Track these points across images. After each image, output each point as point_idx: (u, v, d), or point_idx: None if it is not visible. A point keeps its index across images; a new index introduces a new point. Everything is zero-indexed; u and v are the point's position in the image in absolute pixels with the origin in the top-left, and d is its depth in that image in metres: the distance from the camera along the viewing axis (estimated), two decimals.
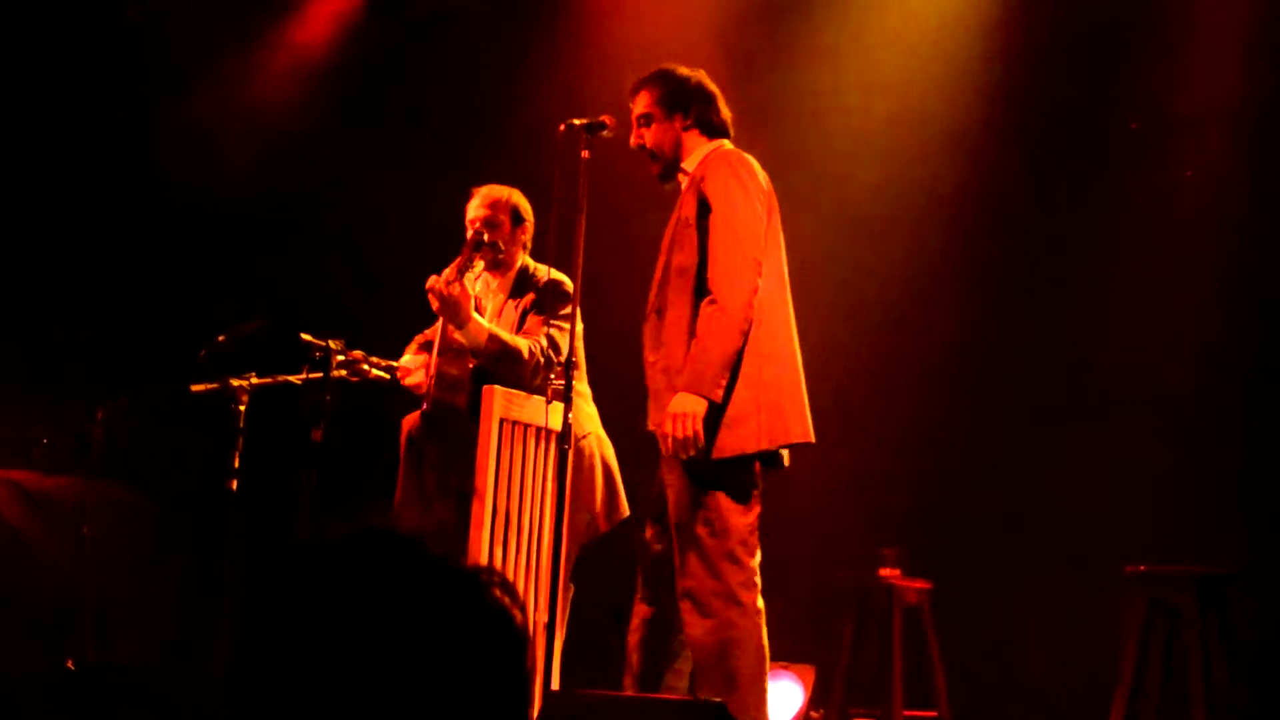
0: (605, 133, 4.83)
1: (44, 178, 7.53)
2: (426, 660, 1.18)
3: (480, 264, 5.32)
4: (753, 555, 4.62)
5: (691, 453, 4.47)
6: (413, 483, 5.26)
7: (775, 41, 7.61)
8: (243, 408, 5.77)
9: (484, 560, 4.70)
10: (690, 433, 4.43)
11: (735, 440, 4.55)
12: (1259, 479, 6.42)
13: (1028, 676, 6.82)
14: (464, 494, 4.96)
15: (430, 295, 5.08)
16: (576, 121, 4.82)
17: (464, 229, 5.44)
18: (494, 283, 5.51)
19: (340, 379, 5.48)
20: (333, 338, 5.49)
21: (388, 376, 5.54)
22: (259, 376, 5.82)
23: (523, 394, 5.01)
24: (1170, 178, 6.88)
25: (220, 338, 5.94)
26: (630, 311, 7.24)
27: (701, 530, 4.53)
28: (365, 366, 5.52)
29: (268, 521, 6.15)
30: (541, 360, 5.16)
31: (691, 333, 4.59)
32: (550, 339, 5.19)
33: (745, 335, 4.53)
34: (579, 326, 5.04)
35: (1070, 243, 7.05)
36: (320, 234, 7.96)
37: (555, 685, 4.71)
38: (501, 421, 4.88)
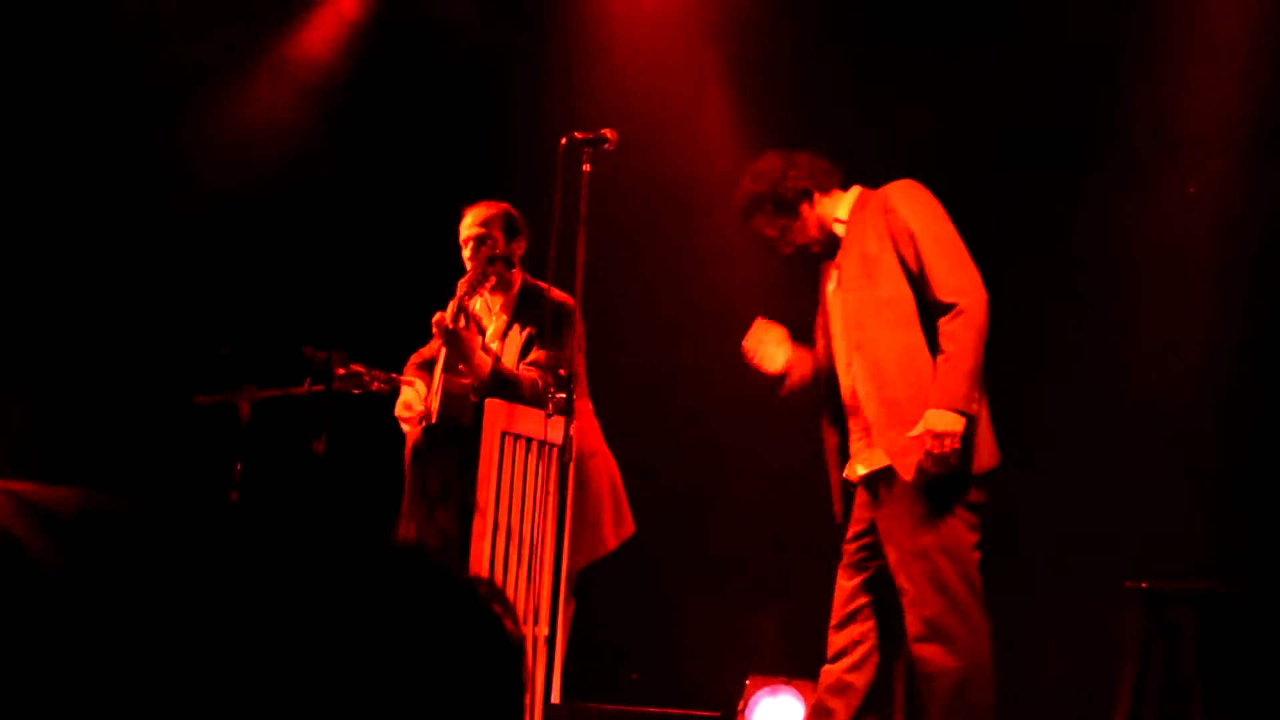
0: (606, 146, 4.84)
1: (46, 192, 7.54)
2: (419, 670, 1.18)
3: (492, 280, 5.33)
4: (978, 578, 4.61)
5: (944, 470, 4.44)
6: (416, 495, 5.27)
7: (778, 51, 7.62)
8: (244, 420, 5.77)
9: (486, 573, 4.70)
10: (949, 450, 4.41)
11: (977, 458, 4.55)
12: (1261, 495, 6.41)
13: (1027, 692, 6.80)
14: (467, 507, 4.96)
15: (435, 329, 5.12)
16: (578, 135, 4.83)
17: (458, 247, 5.46)
18: (495, 302, 5.51)
19: (342, 391, 5.49)
20: (335, 350, 5.50)
21: (389, 389, 5.54)
22: (261, 389, 5.83)
23: (525, 408, 5.02)
24: (1172, 194, 6.88)
25: (222, 350, 5.95)
26: (632, 326, 7.26)
27: (939, 556, 4.51)
28: (367, 379, 5.53)
29: (269, 533, 6.13)
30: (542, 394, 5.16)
31: (908, 361, 4.58)
32: (555, 373, 5.17)
33: (983, 341, 4.55)
34: (581, 342, 5.05)
35: (1072, 259, 7.05)
36: (322, 247, 7.96)
37: (556, 699, 4.72)
38: (504, 435, 4.89)
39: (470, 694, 1.20)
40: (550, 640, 4.66)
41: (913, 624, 4.54)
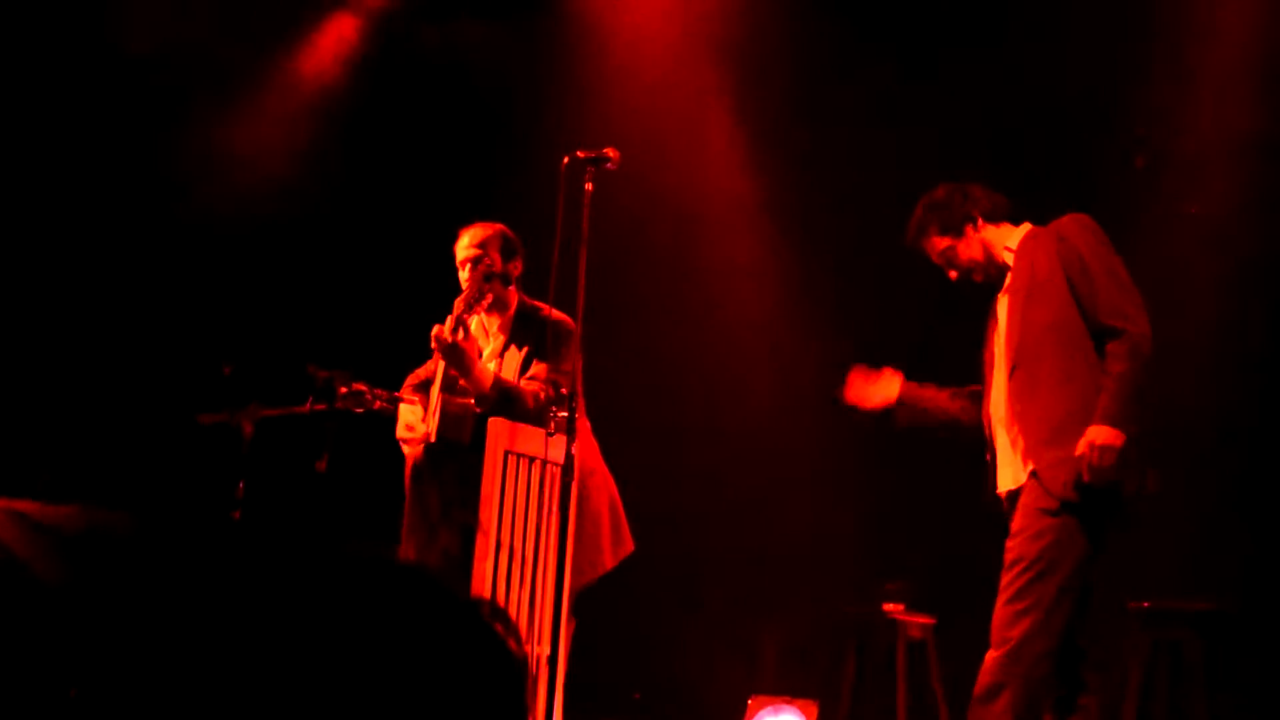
0: (609, 165, 4.85)
1: (52, 209, 7.55)
2: (423, 690, 1.18)
3: (490, 298, 5.33)
4: (1076, 601, 4.69)
5: (1100, 483, 4.52)
6: (417, 514, 5.26)
7: (780, 72, 7.64)
8: (247, 438, 5.78)
9: (487, 593, 4.70)
10: (1108, 464, 4.48)
11: (1130, 478, 4.61)
12: (1262, 515, 6.41)
13: None
14: (468, 525, 4.96)
15: (434, 343, 5.11)
16: (581, 154, 4.84)
17: (454, 268, 5.47)
18: (492, 323, 5.51)
19: (345, 410, 5.49)
20: (338, 369, 5.50)
21: (392, 408, 5.55)
22: (264, 407, 5.83)
23: (527, 426, 5.02)
24: (1174, 214, 6.90)
25: (225, 368, 5.96)
26: (633, 344, 7.27)
27: (1042, 567, 4.61)
28: (370, 398, 5.53)
29: (272, 551, 6.13)
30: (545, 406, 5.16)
31: (1069, 383, 4.66)
32: (556, 387, 5.18)
33: (1149, 367, 4.62)
34: (579, 361, 5.05)
35: None
36: (325, 266, 7.98)
37: (558, 718, 4.71)
38: (506, 454, 4.89)
39: (474, 713, 1.21)
40: (552, 659, 4.66)
41: (997, 616, 4.66)
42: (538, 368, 5.32)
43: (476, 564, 4.78)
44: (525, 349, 5.39)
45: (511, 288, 5.49)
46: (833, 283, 7.39)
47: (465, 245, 5.47)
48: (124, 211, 7.73)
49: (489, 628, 1.22)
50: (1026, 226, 4.98)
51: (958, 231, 4.99)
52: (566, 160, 4.82)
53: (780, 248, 7.76)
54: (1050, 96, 7.09)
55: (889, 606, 6.68)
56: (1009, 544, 4.73)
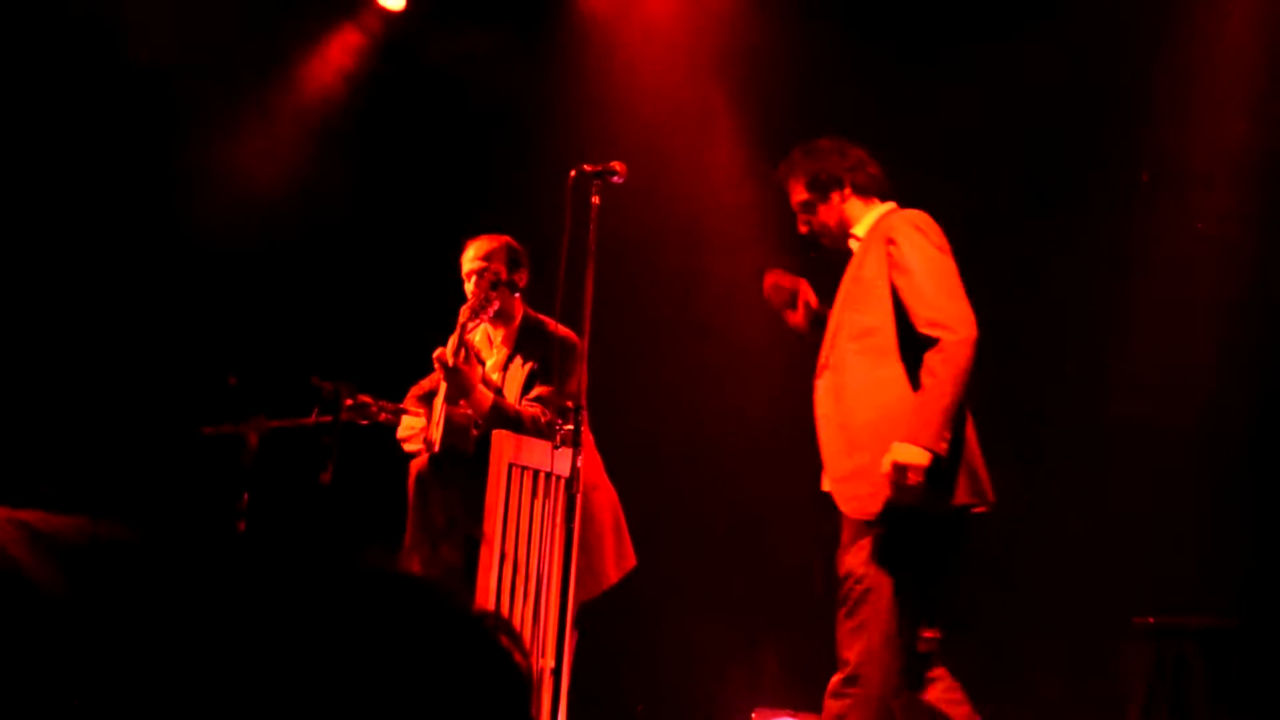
0: (615, 179, 4.85)
1: (57, 218, 7.56)
2: (430, 701, 1.18)
3: (495, 305, 5.34)
4: (901, 616, 4.58)
5: (909, 501, 4.41)
6: (421, 526, 5.27)
7: (786, 85, 7.64)
8: (252, 450, 5.77)
9: (491, 605, 4.69)
10: (913, 482, 4.37)
11: (944, 496, 4.51)
12: (1267, 530, 6.40)
13: None
14: (472, 538, 4.96)
15: (436, 364, 5.13)
16: (587, 168, 4.84)
17: (460, 281, 5.48)
18: (496, 335, 5.53)
19: (349, 422, 5.49)
20: (343, 381, 5.50)
21: (397, 420, 5.55)
22: (268, 419, 5.83)
23: (531, 439, 5.02)
24: (1179, 229, 6.89)
25: (230, 380, 5.96)
26: (636, 359, 7.27)
27: (864, 588, 4.53)
28: (375, 410, 5.53)
29: (276, 564, 6.14)
30: (544, 429, 5.17)
31: (875, 393, 4.58)
32: (556, 410, 5.16)
33: (968, 380, 4.50)
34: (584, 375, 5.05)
35: (1078, 293, 7.05)
36: (330, 278, 7.98)
37: None
38: (510, 466, 4.89)
39: None
40: (556, 672, 4.66)
41: (837, 632, 4.60)
42: (540, 389, 5.32)
43: (480, 576, 4.78)
44: (529, 365, 5.40)
45: (517, 299, 5.50)
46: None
47: (471, 257, 5.48)
48: (130, 222, 7.73)
49: (495, 640, 1.22)
50: (882, 210, 4.90)
51: (823, 193, 4.93)
52: (573, 174, 4.83)
53: (786, 260, 7.76)
54: (1057, 110, 7.09)
55: None
56: (838, 555, 4.65)
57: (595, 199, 4.81)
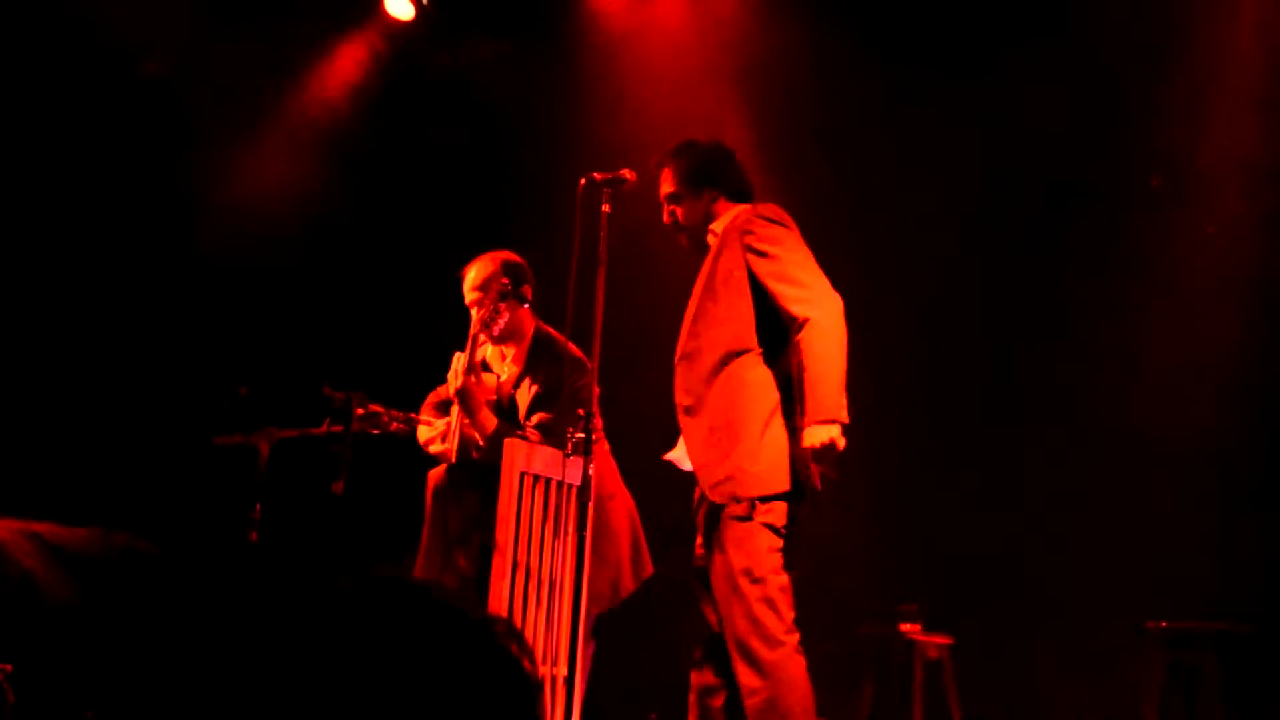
0: (626, 187, 4.85)
1: (68, 231, 7.58)
2: (438, 707, 1.18)
3: (505, 316, 5.34)
4: (785, 598, 4.59)
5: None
6: (436, 535, 5.26)
7: (797, 93, 7.64)
8: (263, 460, 5.78)
9: (504, 613, 4.69)
10: (832, 458, 4.47)
11: (765, 483, 4.54)
12: None
13: None
14: (486, 547, 4.96)
15: (449, 379, 5.17)
16: (597, 176, 4.85)
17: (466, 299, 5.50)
18: (508, 352, 5.53)
19: (361, 432, 5.49)
20: (354, 391, 5.50)
21: (409, 429, 5.55)
22: (280, 429, 5.83)
23: (544, 447, 5.02)
24: (1191, 233, 6.89)
25: (241, 389, 5.97)
26: (650, 366, 7.27)
27: (740, 577, 4.52)
28: (386, 419, 5.53)
29: (287, 573, 6.16)
30: None
31: (730, 381, 4.63)
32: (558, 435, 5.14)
33: (843, 349, 4.54)
34: (596, 386, 5.05)
35: (1092, 297, 7.05)
36: (341, 287, 7.99)
37: None
38: (523, 475, 4.89)
39: None
40: (570, 681, 4.65)
41: (728, 641, 4.56)
42: (540, 416, 5.33)
43: (493, 584, 4.78)
44: (535, 388, 5.40)
45: (525, 311, 5.49)
46: (848, 301, 7.37)
47: (469, 288, 5.49)
48: (141, 234, 7.75)
49: (503, 648, 1.22)
50: (738, 209, 4.94)
51: (695, 190, 4.98)
52: (583, 182, 4.83)
53: None
54: (1068, 114, 7.08)
55: (906, 627, 6.67)
56: (698, 540, 4.69)
57: (606, 207, 4.81)
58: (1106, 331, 7.02)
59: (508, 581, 4.77)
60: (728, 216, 4.92)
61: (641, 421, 5.75)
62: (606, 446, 5.47)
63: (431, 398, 5.67)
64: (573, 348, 5.21)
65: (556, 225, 5.32)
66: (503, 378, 5.50)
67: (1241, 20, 6.95)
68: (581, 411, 4.79)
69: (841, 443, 4.44)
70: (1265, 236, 6.73)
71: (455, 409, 5.31)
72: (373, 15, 8.16)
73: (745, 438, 4.56)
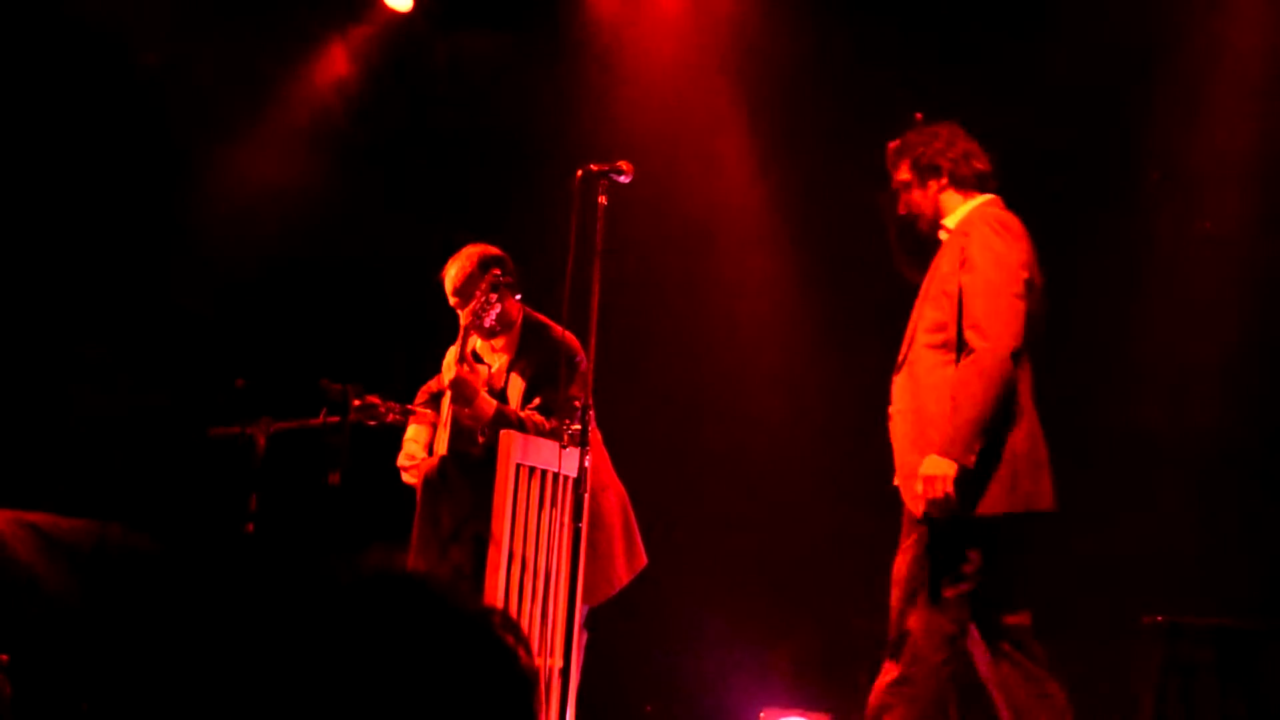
0: (622, 178, 4.84)
1: (66, 223, 7.57)
2: (432, 699, 1.18)
3: (496, 309, 5.33)
4: (956, 618, 4.59)
5: (942, 514, 4.44)
6: (429, 526, 5.26)
7: (795, 86, 7.64)
8: (260, 451, 5.77)
9: (499, 605, 4.69)
10: (941, 495, 4.39)
11: (983, 501, 4.51)
12: (1278, 530, 6.39)
13: None
14: (480, 538, 4.96)
15: (444, 370, 5.16)
16: (594, 167, 4.84)
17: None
18: (497, 341, 5.53)
19: (358, 423, 5.49)
20: (351, 382, 5.50)
21: (404, 420, 5.55)
22: (277, 420, 5.83)
23: (539, 439, 5.02)
24: (1189, 229, 6.88)
25: (238, 381, 5.96)
26: (647, 359, 7.27)
27: (917, 587, 4.57)
28: (383, 411, 5.53)
29: (283, 565, 6.16)
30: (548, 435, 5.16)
31: (936, 390, 4.59)
32: (557, 419, 5.14)
33: (1003, 392, 4.47)
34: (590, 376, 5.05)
35: (1090, 294, 7.04)
36: (338, 279, 7.98)
37: None
38: (518, 466, 4.89)
39: None
40: (565, 672, 4.65)
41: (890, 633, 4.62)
42: (539, 399, 5.33)
43: (488, 576, 4.78)
44: (529, 372, 5.40)
45: (511, 301, 5.47)
46: (847, 296, 7.37)
47: (450, 291, 5.47)
48: (137, 224, 7.74)
49: (499, 639, 1.22)
50: (975, 203, 4.87)
51: (922, 178, 4.92)
52: (580, 173, 4.82)
53: (793, 261, 7.76)
54: (1063, 112, 7.07)
55: None
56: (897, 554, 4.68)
57: (602, 198, 4.81)
58: (1104, 326, 7.01)
59: (503, 573, 4.78)
60: (961, 211, 4.85)
61: (635, 413, 5.76)
62: (600, 438, 5.47)
63: (423, 392, 5.67)
64: (566, 333, 5.21)
65: (553, 217, 5.31)
66: (493, 368, 5.50)
67: (1239, 15, 6.94)
68: (578, 403, 4.79)
69: (948, 486, 4.41)
70: (1263, 230, 6.72)
71: (445, 402, 5.30)
72: (371, 5, 8.15)
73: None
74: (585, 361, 4.91)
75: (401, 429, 5.60)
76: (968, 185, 4.90)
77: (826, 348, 7.41)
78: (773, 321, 7.75)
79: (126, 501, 6.51)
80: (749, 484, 7.54)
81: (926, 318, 4.68)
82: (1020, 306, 4.55)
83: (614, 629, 5.57)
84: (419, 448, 5.47)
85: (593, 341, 4.84)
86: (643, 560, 5.54)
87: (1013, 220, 4.75)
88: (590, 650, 5.37)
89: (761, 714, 6.46)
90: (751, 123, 7.82)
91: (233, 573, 5.55)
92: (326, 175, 8.02)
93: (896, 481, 4.73)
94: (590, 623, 5.39)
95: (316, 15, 8.21)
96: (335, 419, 5.48)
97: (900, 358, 4.77)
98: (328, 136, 8.17)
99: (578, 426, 4.66)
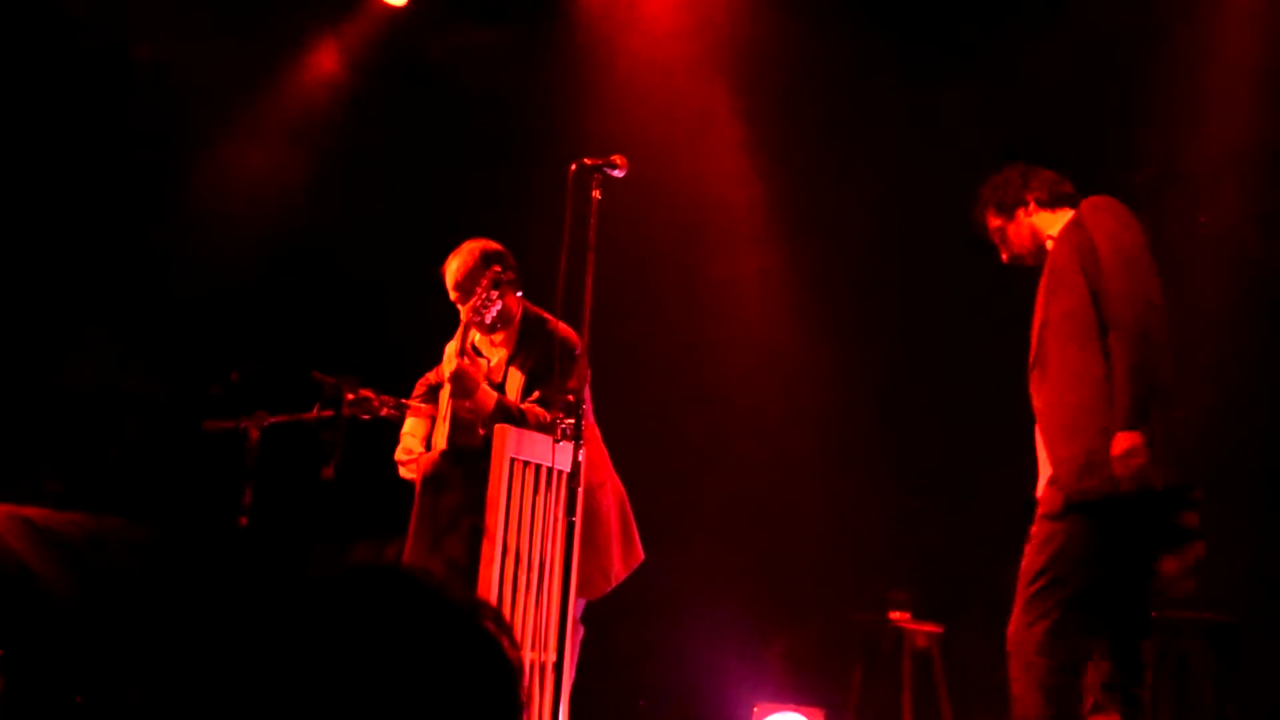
0: (616, 173, 4.84)
1: (60, 217, 7.57)
2: (417, 689, 1.18)
3: (497, 305, 5.33)
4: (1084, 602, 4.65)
5: (1138, 487, 4.47)
6: (425, 520, 5.27)
7: (788, 82, 7.64)
8: (254, 445, 5.77)
9: (493, 598, 4.70)
10: (1136, 465, 4.43)
11: (1130, 478, 4.52)
12: (1271, 525, 6.40)
13: None
14: (476, 535, 4.96)
15: (444, 363, 5.16)
16: (588, 161, 4.83)
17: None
18: (496, 336, 5.53)
19: (352, 417, 5.48)
20: (345, 376, 5.50)
21: (399, 415, 5.55)
22: (271, 414, 5.82)
23: (534, 433, 5.03)
24: (1183, 225, 6.89)
25: (233, 375, 5.96)
26: (640, 353, 7.28)
27: (1047, 579, 4.60)
28: (377, 404, 5.53)
29: (277, 558, 6.16)
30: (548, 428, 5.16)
31: (1079, 377, 4.62)
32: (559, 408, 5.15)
33: (1155, 354, 4.55)
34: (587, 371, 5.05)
35: None
36: (332, 272, 7.98)
37: None
38: (513, 461, 4.89)
39: (468, 714, 1.21)
40: (559, 667, 4.66)
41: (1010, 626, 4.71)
42: (539, 393, 5.33)
43: (483, 569, 4.78)
44: (528, 365, 5.40)
45: (511, 296, 5.48)
46: (840, 292, 7.39)
47: (452, 286, 5.48)
48: (132, 218, 7.74)
49: (483, 629, 1.22)
50: (1067, 211, 4.95)
51: (1009, 214, 5.01)
52: (574, 167, 4.81)
53: (787, 255, 7.77)
54: (1057, 107, 7.08)
55: (895, 615, 6.68)
56: (1026, 549, 4.71)
57: (596, 193, 4.80)
58: None
59: (497, 567, 4.78)
60: (1059, 222, 4.92)
61: (630, 408, 5.76)
62: (598, 433, 5.47)
63: (421, 383, 5.67)
64: (563, 327, 5.22)
65: (546, 211, 5.31)
66: (492, 363, 5.50)
67: (1233, 13, 6.95)
68: (572, 397, 4.78)
69: (1143, 455, 4.48)
70: (1256, 226, 6.73)
71: (444, 395, 5.30)
72: (365, 0, 8.17)
73: None
74: (583, 355, 4.91)
75: (396, 423, 5.60)
76: (1058, 203, 5.00)
77: (821, 340, 7.42)
78: (767, 314, 7.76)
79: (120, 495, 6.51)
80: (745, 478, 7.55)
81: (1055, 311, 4.73)
82: (1155, 278, 4.65)
83: (609, 623, 5.58)
84: (416, 442, 5.47)
85: (586, 336, 4.84)
86: (639, 556, 5.54)
87: (1111, 200, 4.83)
88: (585, 645, 5.37)
89: (755, 708, 6.47)
90: (744, 117, 7.83)
91: (225, 566, 5.56)
92: (321, 169, 8.02)
93: (1039, 493, 4.75)
94: (586, 618, 5.40)
95: (311, 9, 8.21)
96: (329, 413, 5.47)
97: (1030, 358, 4.80)
98: (323, 130, 8.17)
99: (571, 421, 4.66)
